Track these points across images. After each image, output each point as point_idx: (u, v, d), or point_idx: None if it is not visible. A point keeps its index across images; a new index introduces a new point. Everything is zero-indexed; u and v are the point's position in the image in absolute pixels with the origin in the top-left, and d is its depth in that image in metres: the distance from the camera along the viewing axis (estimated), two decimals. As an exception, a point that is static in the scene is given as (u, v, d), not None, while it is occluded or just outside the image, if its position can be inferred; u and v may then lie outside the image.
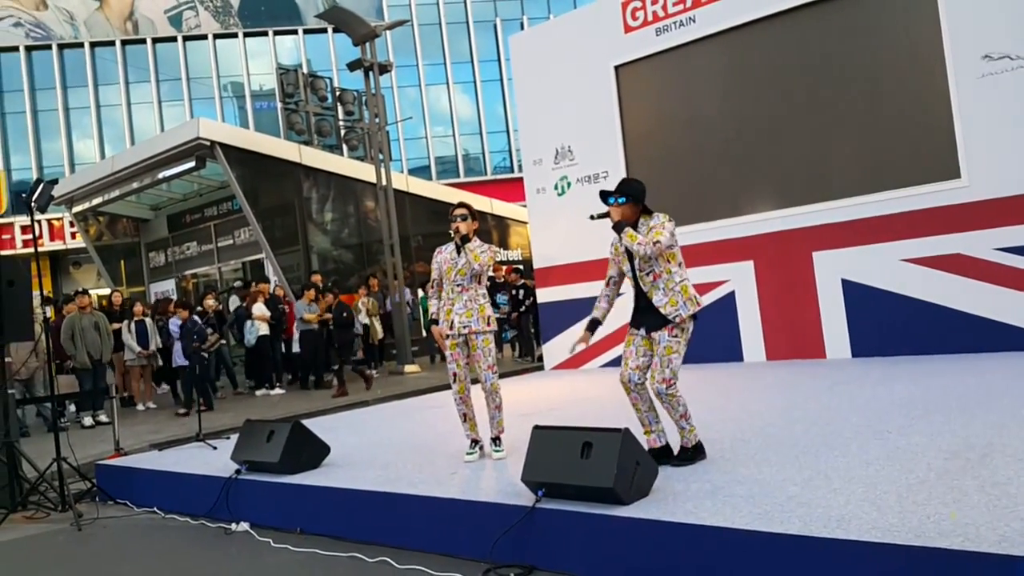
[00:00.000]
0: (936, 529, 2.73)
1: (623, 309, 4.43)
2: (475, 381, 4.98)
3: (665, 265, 4.16)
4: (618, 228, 4.17)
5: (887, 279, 7.79)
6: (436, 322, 5.00)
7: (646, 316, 4.22)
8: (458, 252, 4.93)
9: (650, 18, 9.49)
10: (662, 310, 4.12)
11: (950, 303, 7.42)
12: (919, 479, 3.39)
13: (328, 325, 11.66)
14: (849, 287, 8.07)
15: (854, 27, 8.06)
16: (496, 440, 4.97)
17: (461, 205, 5.07)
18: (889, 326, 7.76)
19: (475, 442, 5.01)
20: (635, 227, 4.18)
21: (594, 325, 4.43)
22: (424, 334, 14.83)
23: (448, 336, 4.92)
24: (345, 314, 11.18)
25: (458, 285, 4.93)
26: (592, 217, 4.42)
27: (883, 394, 5.71)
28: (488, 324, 4.92)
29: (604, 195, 4.27)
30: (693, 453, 4.23)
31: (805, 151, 8.41)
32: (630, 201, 4.19)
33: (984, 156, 7.24)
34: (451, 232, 4.95)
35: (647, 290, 4.18)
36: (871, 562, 2.69)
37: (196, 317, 10.67)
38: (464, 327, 4.87)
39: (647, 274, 4.18)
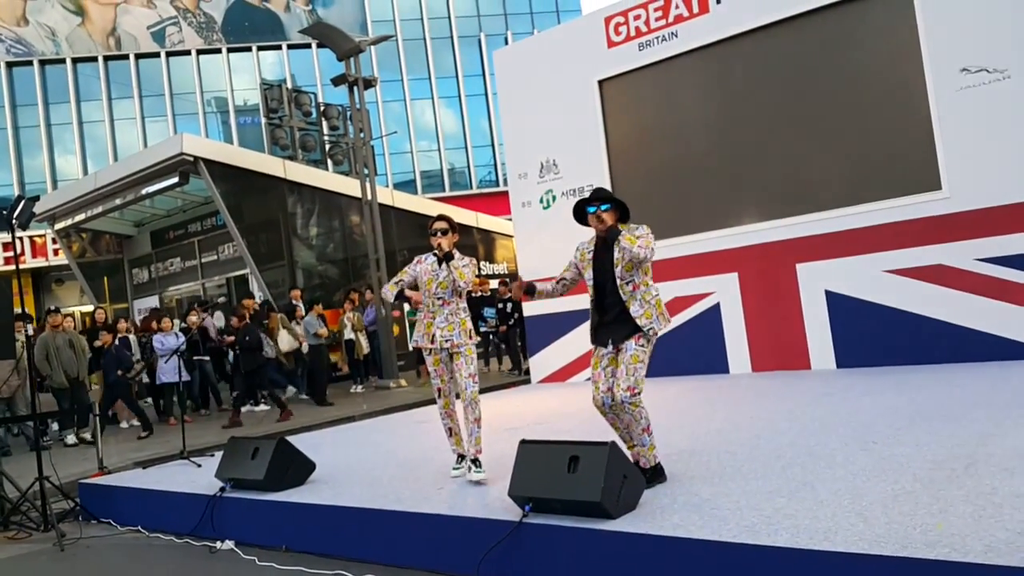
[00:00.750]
0: (923, 540, 2.73)
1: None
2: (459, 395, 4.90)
3: (643, 277, 4.18)
4: (613, 234, 4.10)
5: (870, 290, 7.85)
6: (402, 294, 4.91)
7: (616, 327, 4.15)
8: (439, 264, 4.83)
9: (633, 33, 9.56)
10: (638, 320, 4.08)
11: (932, 313, 7.48)
12: (905, 490, 3.40)
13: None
14: (833, 298, 8.12)
15: (835, 41, 8.16)
16: (476, 462, 4.71)
17: (441, 218, 4.95)
18: (873, 337, 7.81)
19: (461, 457, 4.92)
20: (615, 235, 4.13)
21: (532, 289, 4.51)
22: (410, 348, 14.77)
23: (430, 351, 4.86)
24: (248, 337, 10.21)
25: (439, 298, 4.84)
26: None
27: (868, 405, 5.74)
28: (470, 337, 4.86)
29: (584, 203, 4.22)
30: (651, 475, 4.06)
31: (788, 164, 8.47)
32: (613, 208, 4.16)
33: (964, 168, 7.33)
34: (433, 248, 4.87)
35: (626, 299, 4.12)
36: (859, 574, 2.69)
37: (126, 339, 10.58)
38: (447, 341, 4.79)
39: (627, 283, 4.14)
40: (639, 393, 4.04)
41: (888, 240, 7.73)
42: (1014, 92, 7.03)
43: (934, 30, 7.46)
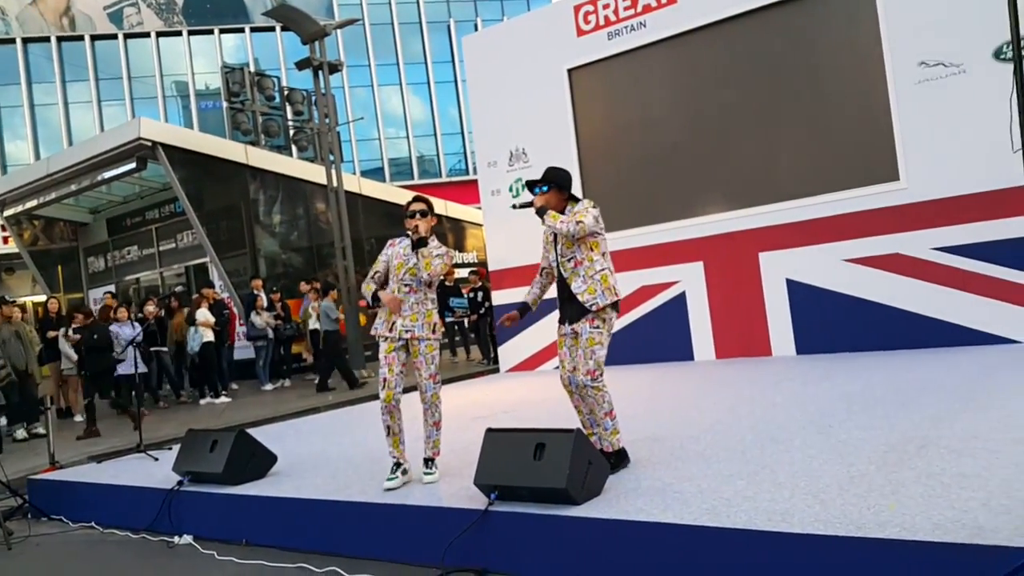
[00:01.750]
0: (876, 520, 2.81)
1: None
2: (410, 390, 4.53)
3: (587, 253, 4.13)
4: (540, 212, 4.16)
5: (830, 278, 8.00)
6: (377, 298, 4.49)
7: (567, 306, 4.19)
8: (413, 250, 4.48)
9: (602, 22, 9.58)
10: (579, 297, 4.08)
11: (890, 301, 7.65)
12: (860, 472, 3.48)
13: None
14: (793, 287, 8.25)
15: (798, 33, 8.26)
16: (429, 461, 4.42)
17: (418, 199, 4.61)
18: (832, 324, 7.96)
19: (398, 465, 4.40)
20: (561, 214, 4.18)
21: (524, 309, 4.40)
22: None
23: (386, 338, 4.45)
24: (96, 336, 9.66)
25: (406, 285, 4.48)
26: (513, 206, 4.45)
27: (826, 390, 5.86)
28: (433, 332, 4.48)
29: (531, 185, 4.29)
30: (616, 460, 4.08)
31: (752, 154, 8.58)
32: (553, 188, 4.21)
33: (921, 159, 7.48)
34: (408, 231, 4.50)
35: (567, 276, 4.15)
36: (815, 554, 2.76)
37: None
38: (407, 331, 4.41)
39: (568, 260, 4.15)
40: (600, 375, 4.07)
41: (848, 230, 7.88)
42: (969, 86, 7.19)
43: (894, 24, 7.59)
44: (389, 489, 4.28)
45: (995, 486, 3.02)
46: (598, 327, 4.08)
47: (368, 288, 4.55)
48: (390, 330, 4.46)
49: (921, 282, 7.50)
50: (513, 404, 7.36)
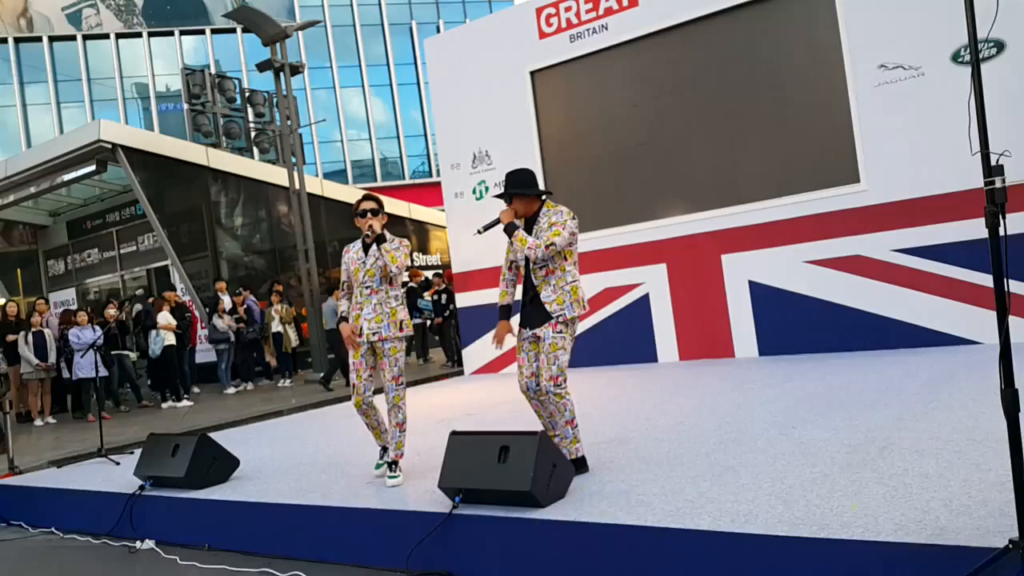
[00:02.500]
0: (839, 521, 2.82)
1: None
2: (379, 391, 4.51)
3: (560, 262, 4.04)
4: (508, 231, 4.04)
5: (791, 280, 8.08)
6: (345, 319, 4.51)
7: (532, 311, 4.08)
8: (366, 251, 4.45)
9: (564, 25, 9.59)
10: (548, 306, 3.99)
11: (851, 303, 7.74)
12: (823, 473, 3.50)
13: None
14: (756, 288, 8.32)
15: (759, 37, 8.33)
16: (393, 465, 4.40)
17: (367, 198, 4.53)
18: (794, 325, 8.04)
19: (385, 449, 4.57)
20: (535, 219, 4.06)
21: (507, 312, 4.28)
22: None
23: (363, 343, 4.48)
24: None
25: (367, 288, 4.44)
26: (479, 232, 4.19)
27: (788, 391, 5.91)
28: (400, 329, 4.43)
29: (502, 197, 4.18)
30: (576, 467, 3.99)
31: (714, 157, 8.64)
32: (516, 196, 4.07)
33: (881, 161, 7.59)
34: (364, 231, 4.45)
35: (537, 283, 4.05)
36: (779, 555, 2.76)
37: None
38: (373, 334, 4.40)
39: (540, 268, 4.05)
40: (563, 382, 3.99)
41: (809, 231, 7.96)
42: (927, 88, 7.31)
43: (854, 27, 7.69)
44: (380, 475, 4.51)
45: (956, 487, 3.05)
46: (561, 332, 4.00)
47: (340, 307, 4.62)
48: (359, 335, 4.45)
49: (882, 283, 7.60)
50: (477, 407, 7.32)
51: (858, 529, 2.71)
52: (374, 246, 4.45)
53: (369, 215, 4.45)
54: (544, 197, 4.16)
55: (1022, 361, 3.33)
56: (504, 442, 3.69)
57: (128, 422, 10.09)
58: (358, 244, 4.55)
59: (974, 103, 2.46)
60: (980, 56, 2.47)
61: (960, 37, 6.63)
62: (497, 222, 4.10)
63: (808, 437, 4.26)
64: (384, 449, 4.59)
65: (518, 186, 4.09)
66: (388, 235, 4.49)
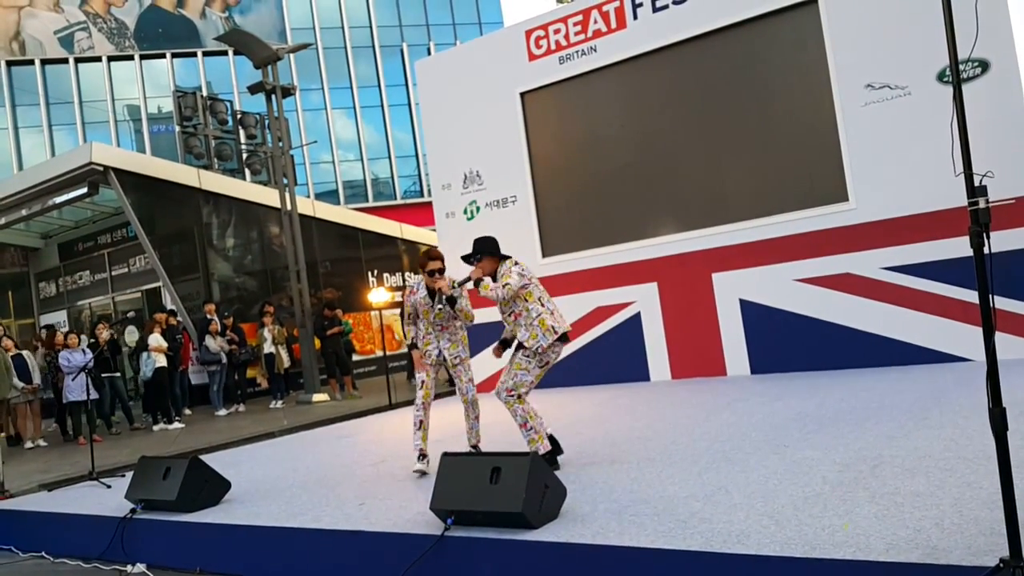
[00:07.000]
0: (831, 540, 2.82)
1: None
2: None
3: (523, 304, 4.82)
4: (476, 284, 4.85)
5: (782, 298, 8.11)
6: (415, 346, 5.36)
7: (515, 342, 4.92)
8: (431, 297, 5.18)
9: (553, 47, 9.67)
10: (525, 344, 4.77)
11: (841, 320, 7.77)
12: (815, 492, 3.50)
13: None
14: (747, 307, 8.35)
15: (747, 58, 8.42)
16: (475, 448, 5.36)
17: (435, 257, 5.22)
18: (785, 344, 8.06)
19: (423, 455, 5.14)
20: (495, 276, 4.88)
21: (505, 344, 5.06)
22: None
23: (430, 361, 5.35)
24: None
25: (437, 326, 5.30)
26: (453, 286, 5.10)
27: (780, 410, 5.91)
28: (467, 349, 5.47)
29: (466, 259, 4.98)
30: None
31: (703, 176, 8.69)
32: (485, 257, 4.90)
33: (869, 180, 7.65)
34: (434, 288, 5.13)
35: (511, 328, 4.89)
36: (770, 575, 2.75)
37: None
38: (456, 358, 5.32)
39: (509, 315, 4.87)
40: (514, 395, 4.71)
41: (799, 250, 8.01)
42: (914, 108, 7.38)
43: (841, 47, 7.78)
44: (419, 471, 5.05)
45: (948, 505, 3.06)
46: (528, 356, 4.76)
47: (408, 333, 5.48)
48: (436, 356, 5.35)
49: (872, 301, 7.63)
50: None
51: (850, 549, 2.71)
52: (442, 298, 5.16)
53: (437, 275, 5.16)
54: (503, 259, 4.94)
55: (1012, 378, 3.35)
56: (496, 463, 3.69)
57: (119, 445, 10.00)
58: (423, 287, 5.26)
59: (956, 124, 2.50)
60: (965, 76, 2.51)
61: (946, 57, 6.69)
62: (469, 279, 4.94)
63: (800, 456, 4.26)
64: (423, 455, 5.16)
65: (487, 251, 4.94)
66: (455, 291, 5.13)
